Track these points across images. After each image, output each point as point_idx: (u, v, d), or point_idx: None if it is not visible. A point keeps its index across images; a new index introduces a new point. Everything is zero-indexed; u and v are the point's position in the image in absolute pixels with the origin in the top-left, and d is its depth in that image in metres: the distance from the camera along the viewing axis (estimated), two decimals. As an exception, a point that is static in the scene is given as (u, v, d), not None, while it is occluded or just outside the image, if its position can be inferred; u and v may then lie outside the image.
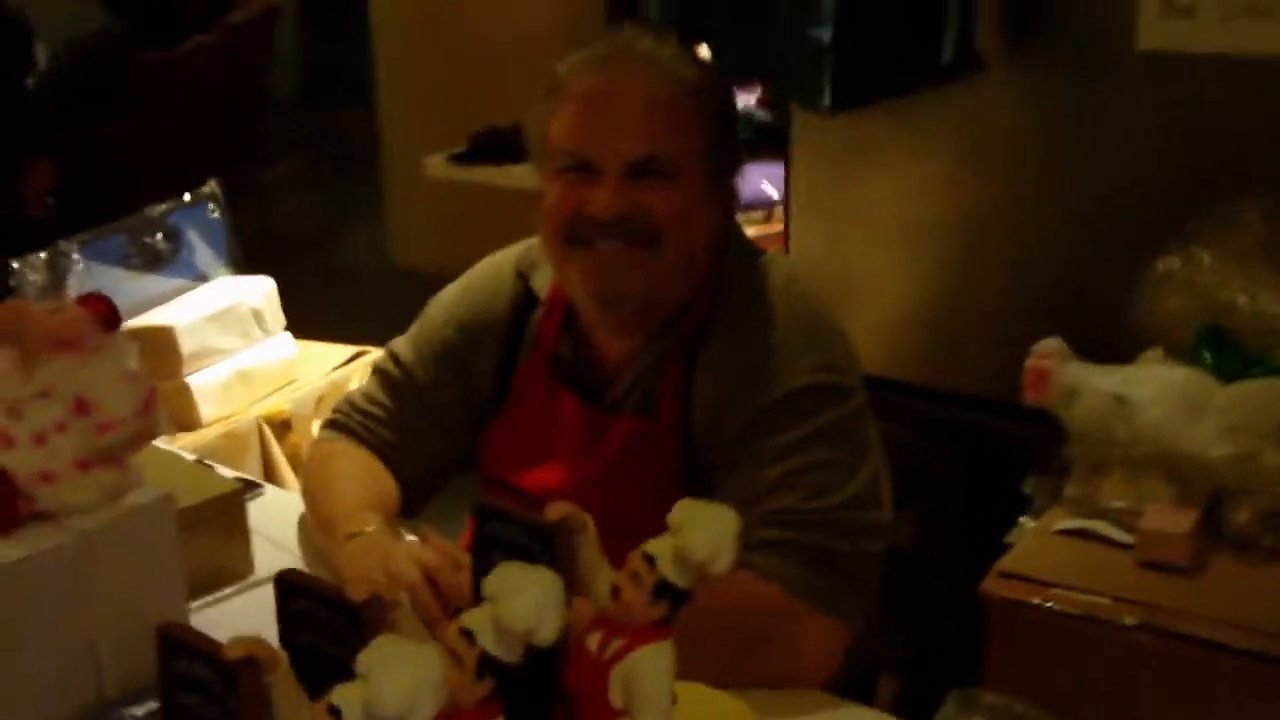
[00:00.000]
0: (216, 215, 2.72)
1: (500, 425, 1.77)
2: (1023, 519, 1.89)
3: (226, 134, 5.66)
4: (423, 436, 1.79)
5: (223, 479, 1.81)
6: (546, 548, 1.16)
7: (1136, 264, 2.04)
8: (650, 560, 1.11)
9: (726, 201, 1.69)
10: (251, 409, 2.61)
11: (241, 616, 1.57)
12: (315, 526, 1.72)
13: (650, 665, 1.12)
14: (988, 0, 2.15)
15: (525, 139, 1.74)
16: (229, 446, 2.49)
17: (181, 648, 1.02)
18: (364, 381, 1.90)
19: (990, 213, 2.32)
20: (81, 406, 1.38)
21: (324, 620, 1.08)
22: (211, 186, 2.73)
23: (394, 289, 5.22)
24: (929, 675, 2.00)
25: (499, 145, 4.02)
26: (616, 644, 1.12)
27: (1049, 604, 1.71)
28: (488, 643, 1.02)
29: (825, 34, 2.17)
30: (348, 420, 1.82)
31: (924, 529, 1.90)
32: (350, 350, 2.83)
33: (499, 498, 1.75)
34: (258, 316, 2.66)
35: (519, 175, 3.97)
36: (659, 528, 1.13)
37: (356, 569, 1.52)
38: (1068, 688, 1.69)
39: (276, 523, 1.78)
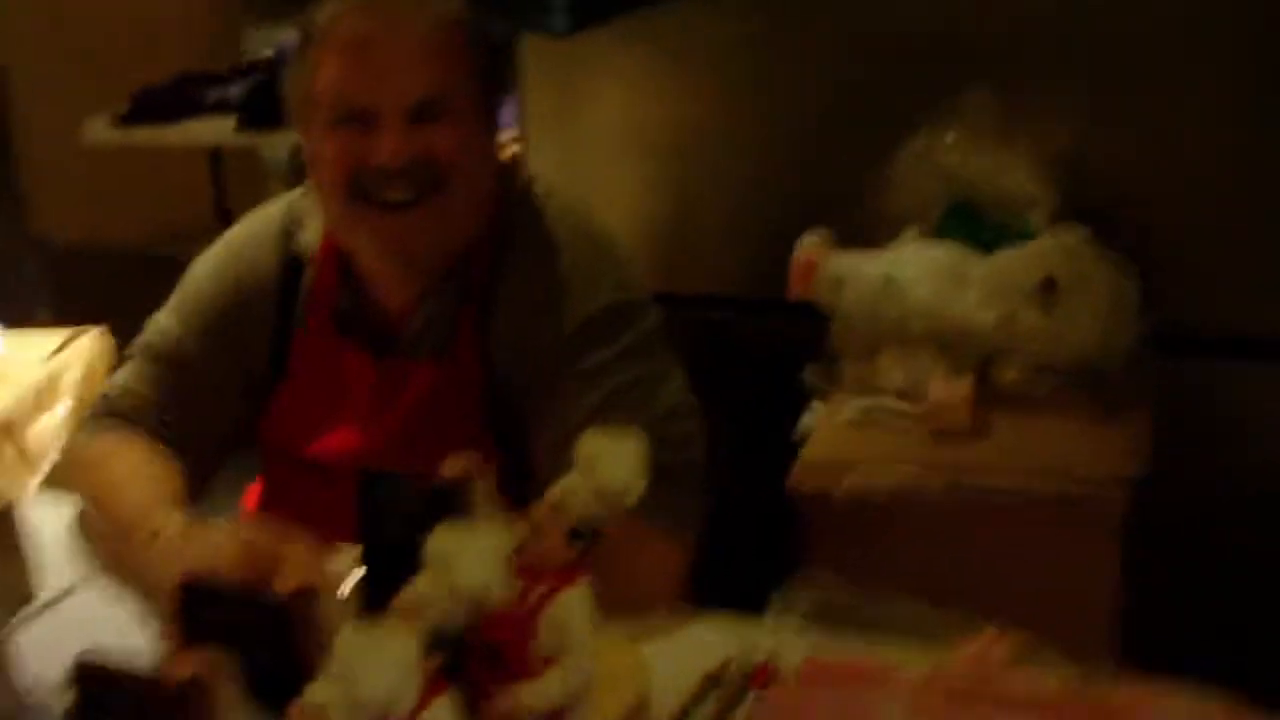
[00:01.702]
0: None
1: (284, 393, 1.70)
2: (810, 407, 1.97)
3: None
4: (201, 414, 1.70)
5: (-22, 493, 1.65)
6: (444, 506, 1.14)
7: (874, 156, 2.15)
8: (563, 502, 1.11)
9: (496, 134, 1.67)
10: (-37, 413, 2.39)
11: (44, 647, 1.44)
12: (107, 531, 1.60)
13: (577, 608, 1.12)
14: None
15: (283, 97, 1.64)
16: (-56, 459, 2.28)
17: (103, 680, 0.93)
18: (124, 367, 1.77)
19: (728, 121, 2.37)
20: None
21: (240, 623, 1.02)
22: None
23: (41, 264, 4.86)
24: (736, 572, 2.07)
25: (161, 104, 3.81)
26: (539, 591, 1.11)
27: (857, 484, 1.80)
28: (435, 615, 0.99)
29: (551, -47, 2.15)
30: (116, 408, 1.70)
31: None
32: (61, 335, 2.62)
33: (287, 470, 1.71)
34: (-45, 311, 2.43)
35: (187, 133, 3.80)
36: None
37: (174, 567, 1.43)
38: (882, 562, 1.78)
39: (39, 534, 1.64)
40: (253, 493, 1.84)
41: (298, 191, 1.76)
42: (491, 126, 1.63)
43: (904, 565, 1.78)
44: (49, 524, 1.65)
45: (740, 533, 1.98)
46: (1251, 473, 2.01)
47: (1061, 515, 1.73)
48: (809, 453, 1.87)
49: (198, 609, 1.05)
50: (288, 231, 1.72)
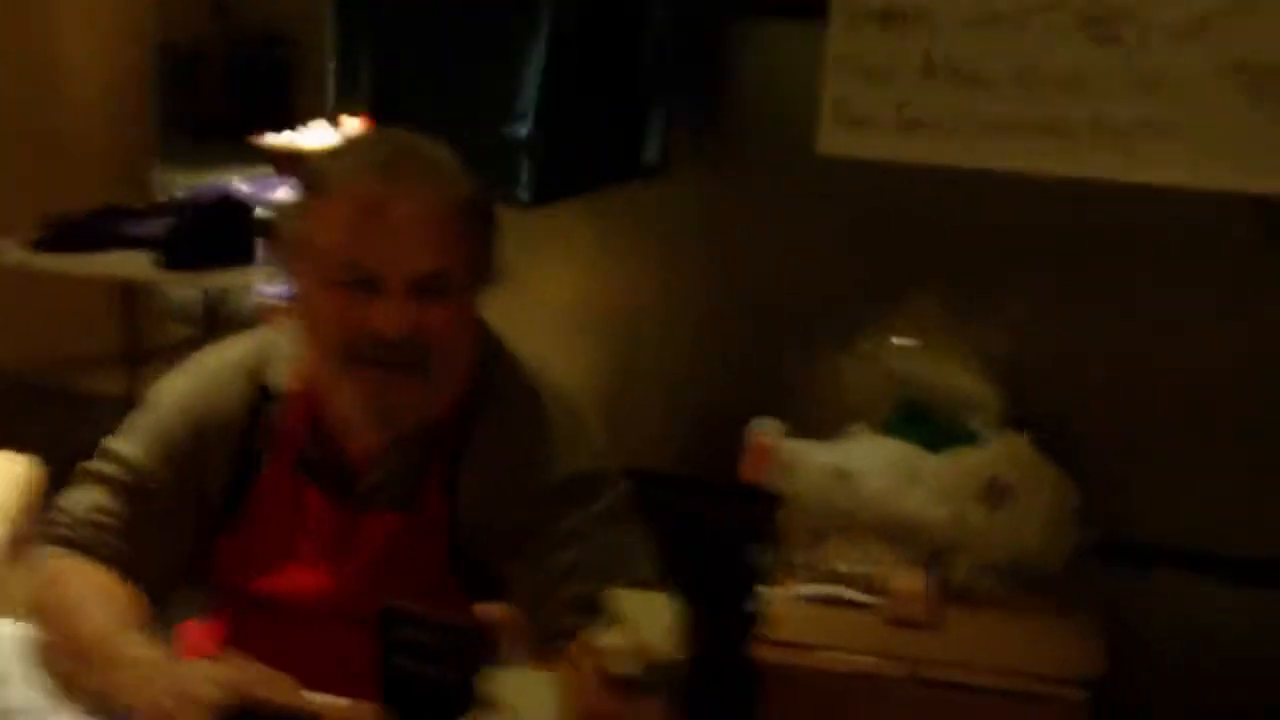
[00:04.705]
0: None
1: (239, 528, 1.68)
2: (761, 587, 2.00)
3: None
4: (158, 542, 1.66)
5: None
6: (471, 648, 1.14)
7: (816, 346, 2.24)
8: (603, 653, 1.12)
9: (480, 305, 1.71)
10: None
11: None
12: (67, 654, 1.54)
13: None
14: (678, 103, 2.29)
15: (274, 236, 1.65)
16: None
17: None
18: (74, 492, 1.72)
19: (673, 301, 2.46)
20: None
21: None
22: None
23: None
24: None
25: (77, 234, 3.75)
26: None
27: (820, 665, 1.83)
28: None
29: (523, 130, 2.21)
30: (71, 533, 1.66)
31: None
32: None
33: (240, 606, 1.69)
34: None
35: (100, 264, 3.73)
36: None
37: (142, 696, 1.40)
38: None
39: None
40: (188, 631, 1.80)
41: (265, 329, 1.76)
42: (477, 304, 1.67)
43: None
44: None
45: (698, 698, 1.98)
46: (1192, 679, 2.09)
47: (1022, 713, 1.78)
48: (773, 630, 1.90)
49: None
50: (256, 368, 1.71)
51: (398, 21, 2.31)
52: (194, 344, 1.90)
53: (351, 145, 1.65)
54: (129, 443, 1.69)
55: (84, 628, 1.52)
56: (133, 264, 3.66)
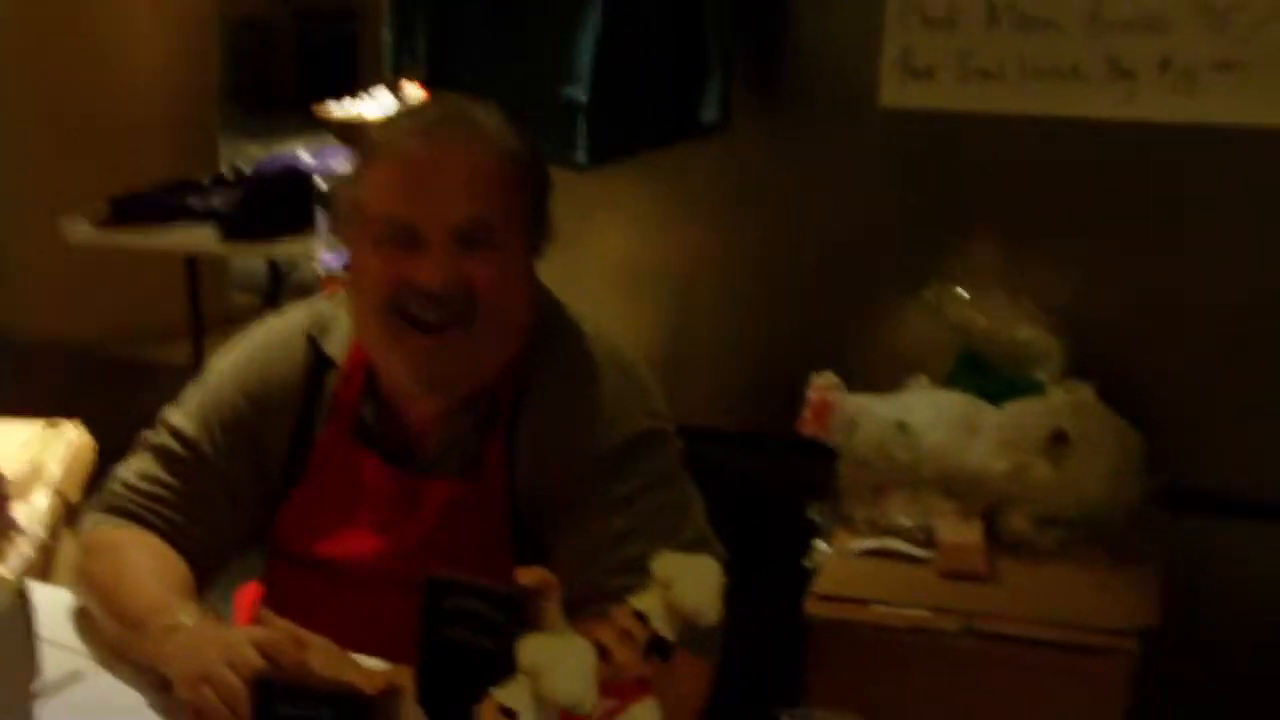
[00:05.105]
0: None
1: (299, 495, 1.69)
2: (817, 543, 1.99)
3: None
4: (213, 514, 1.68)
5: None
6: (513, 615, 1.14)
7: (883, 302, 2.21)
8: (642, 617, 1.11)
9: (535, 264, 1.70)
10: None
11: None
12: (115, 622, 1.57)
13: (649, 722, 1.12)
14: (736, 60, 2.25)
15: (331, 205, 1.67)
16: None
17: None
18: (130, 462, 1.75)
19: (734, 259, 2.43)
20: (-82, 510, 1.21)
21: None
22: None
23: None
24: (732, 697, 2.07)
25: (143, 208, 3.80)
26: (607, 704, 1.11)
27: (873, 619, 1.83)
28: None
29: (580, 92, 2.20)
30: (126, 503, 1.68)
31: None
32: (33, 426, 2.54)
33: (296, 571, 1.70)
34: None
35: (165, 237, 3.78)
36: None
37: (191, 664, 1.41)
38: (892, 700, 1.80)
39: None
40: (246, 594, 1.82)
41: (321, 298, 1.77)
42: (533, 257, 1.66)
43: (912, 701, 1.81)
44: (48, 610, 1.59)
45: (742, 657, 1.99)
46: (1255, 630, 2.05)
47: (1074, 664, 1.76)
48: (823, 585, 1.89)
49: (276, 706, 1.03)
50: (312, 337, 1.72)
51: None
52: (258, 313, 1.92)
53: (403, 112, 1.67)
54: (184, 414, 1.72)
55: (134, 597, 1.55)
56: (197, 237, 3.72)
